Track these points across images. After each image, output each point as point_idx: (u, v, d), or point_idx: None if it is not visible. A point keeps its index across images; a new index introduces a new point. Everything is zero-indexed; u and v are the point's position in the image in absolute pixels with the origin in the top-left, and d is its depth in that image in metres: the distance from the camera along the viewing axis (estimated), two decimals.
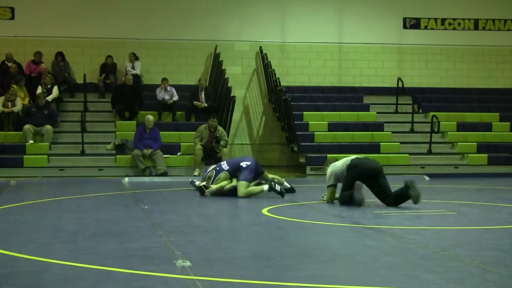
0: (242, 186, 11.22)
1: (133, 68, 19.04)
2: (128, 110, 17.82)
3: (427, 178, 15.68)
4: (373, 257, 6.15)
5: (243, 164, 11.42)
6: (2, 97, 17.12)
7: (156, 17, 19.75)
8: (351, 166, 10.08)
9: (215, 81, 19.14)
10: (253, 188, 11.30)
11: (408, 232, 7.62)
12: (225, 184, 11.38)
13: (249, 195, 11.16)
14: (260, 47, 20.02)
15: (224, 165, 11.64)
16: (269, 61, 19.51)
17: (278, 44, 20.32)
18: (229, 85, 18.12)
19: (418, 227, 7.97)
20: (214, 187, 11.33)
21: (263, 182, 11.55)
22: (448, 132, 18.64)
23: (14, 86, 17.44)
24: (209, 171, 11.72)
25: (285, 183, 11.88)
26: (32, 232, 7.61)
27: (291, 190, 11.81)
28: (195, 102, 18.06)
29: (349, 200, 9.98)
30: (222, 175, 11.44)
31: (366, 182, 10.15)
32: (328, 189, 10.40)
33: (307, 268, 5.66)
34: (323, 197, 10.62)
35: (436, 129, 18.07)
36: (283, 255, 6.28)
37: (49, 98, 17.36)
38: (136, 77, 18.78)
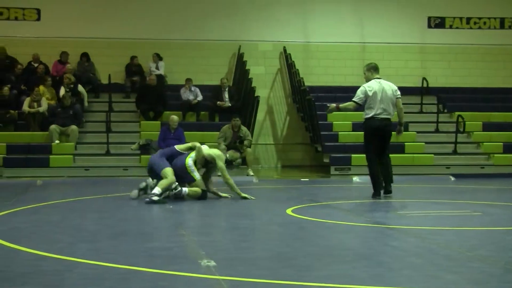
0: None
1: (157, 68, 19.13)
2: (152, 110, 17.91)
3: (452, 179, 15.57)
4: (396, 258, 6.13)
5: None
6: (28, 98, 17.31)
7: (180, 18, 19.83)
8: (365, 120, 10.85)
9: (238, 81, 19.17)
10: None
11: (431, 232, 7.58)
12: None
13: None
14: (284, 47, 20.02)
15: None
16: (293, 61, 19.51)
17: (301, 44, 20.31)
18: (252, 85, 18.14)
19: (441, 228, 7.91)
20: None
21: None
22: (474, 132, 18.50)
23: (41, 87, 17.63)
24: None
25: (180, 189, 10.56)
26: (56, 231, 7.67)
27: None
28: (218, 102, 18.11)
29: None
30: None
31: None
32: (349, 102, 10.90)
33: (329, 268, 5.66)
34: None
35: (461, 129, 17.95)
36: (305, 255, 6.27)
37: (80, 89, 17.83)
38: (160, 78, 18.86)
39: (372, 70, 10.94)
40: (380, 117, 10.73)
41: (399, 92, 10.97)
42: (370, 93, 10.71)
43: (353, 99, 10.86)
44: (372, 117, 10.73)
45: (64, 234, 7.47)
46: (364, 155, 11.13)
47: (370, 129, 10.80)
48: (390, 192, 10.81)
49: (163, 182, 10.22)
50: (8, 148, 16.45)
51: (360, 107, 11.07)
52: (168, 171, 10.32)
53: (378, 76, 10.92)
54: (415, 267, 5.71)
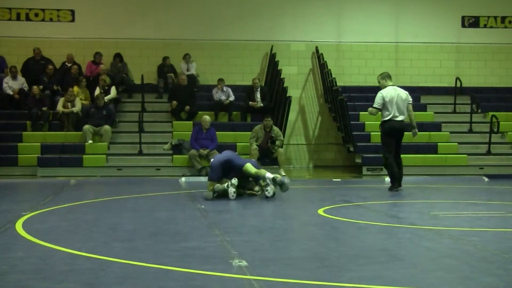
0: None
1: (188, 69, 19.21)
2: (184, 110, 18.00)
3: (486, 179, 15.41)
4: (430, 259, 6.08)
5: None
6: (62, 98, 17.51)
7: (212, 18, 19.89)
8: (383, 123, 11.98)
9: (271, 81, 19.17)
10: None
11: (466, 233, 7.50)
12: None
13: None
14: (316, 47, 19.98)
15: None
16: (325, 61, 19.46)
17: (334, 44, 20.25)
18: (285, 85, 18.13)
19: (476, 229, 7.84)
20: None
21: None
22: (508, 133, 18.29)
23: (75, 87, 17.82)
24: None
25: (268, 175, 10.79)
26: (91, 230, 7.74)
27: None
28: (250, 102, 18.14)
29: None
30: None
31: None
32: (372, 109, 12.14)
33: (363, 269, 5.64)
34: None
35: (495, 129, 17.75)
36: (339, 255, 6.26)
37: (107, 98, 17.65)
38: (192, 78, 18.94)
39: (386, 78, 12.21)
40: (396, 119, 11.90)
41: (410, 98, 12.23)
42: (387, 99, 11.90)
43: (374, 106, 12.07)
44: (389, 119, 11.92)
45: (100, 233, 7.54)
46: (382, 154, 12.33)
47: (387, 130, 11.96)
48: (400, 186, 11.94)
49: (263, 171, 10.78)
50: (43, 148, 16.66)
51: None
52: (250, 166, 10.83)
53: (391, 84, 12.16)
54: (450, 268, 5.67)
